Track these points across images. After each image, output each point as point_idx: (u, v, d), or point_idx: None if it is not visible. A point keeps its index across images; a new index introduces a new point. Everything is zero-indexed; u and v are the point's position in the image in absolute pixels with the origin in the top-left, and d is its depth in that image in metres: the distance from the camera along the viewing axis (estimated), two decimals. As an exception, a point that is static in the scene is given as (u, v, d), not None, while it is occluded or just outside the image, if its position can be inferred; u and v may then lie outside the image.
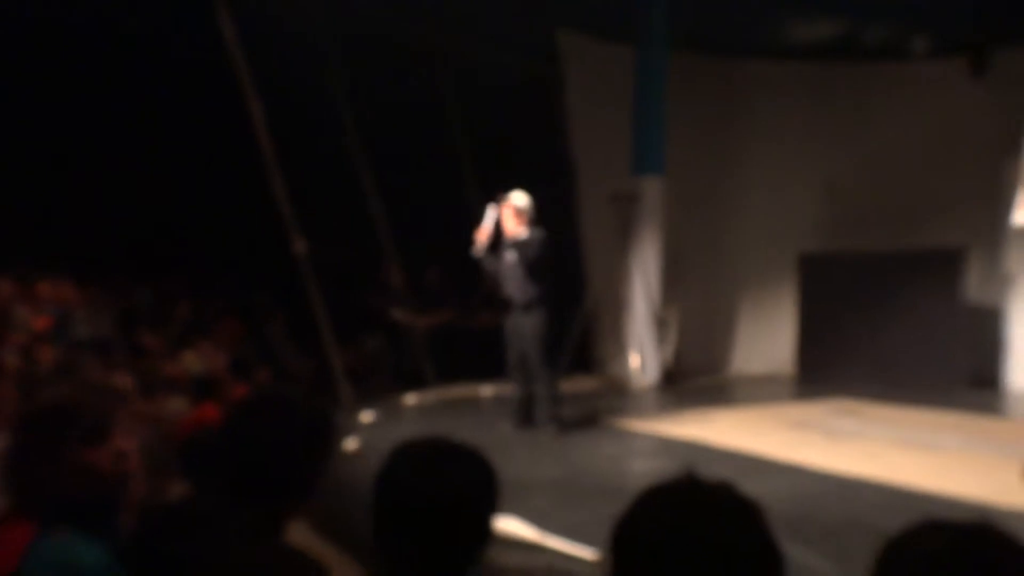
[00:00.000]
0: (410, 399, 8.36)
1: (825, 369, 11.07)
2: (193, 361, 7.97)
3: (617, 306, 10.84)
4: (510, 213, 6.70)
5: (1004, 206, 9.61)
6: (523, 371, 6.77)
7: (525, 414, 6.87)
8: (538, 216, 6.90)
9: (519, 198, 6.73)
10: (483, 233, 6.71)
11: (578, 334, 10.72)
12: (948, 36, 10.79)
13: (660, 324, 10.97)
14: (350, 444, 5.88)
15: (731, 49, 12.09)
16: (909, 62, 11.11)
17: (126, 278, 9.13)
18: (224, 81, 7.81)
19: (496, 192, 6.94)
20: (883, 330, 10.81)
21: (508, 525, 3.75)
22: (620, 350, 11.12)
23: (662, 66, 10.82)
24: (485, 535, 1.52)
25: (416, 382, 9.52)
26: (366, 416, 7.13)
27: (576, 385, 10.47)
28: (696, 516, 1.08)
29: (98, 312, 8.09)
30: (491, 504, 1.53)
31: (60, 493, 1.72)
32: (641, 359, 10.46)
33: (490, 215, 6.73)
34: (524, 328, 6.65)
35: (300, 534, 4.26)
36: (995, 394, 10.14)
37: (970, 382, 10.20)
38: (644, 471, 5.66)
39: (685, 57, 11.43)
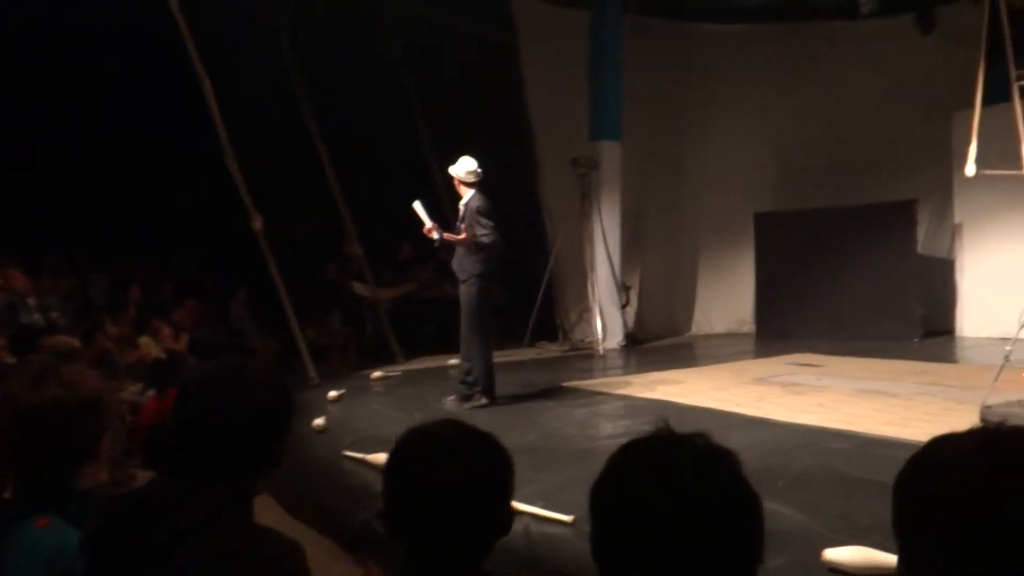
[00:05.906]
0: (376, 374, 8.32)
1: (784, 325, 11.24)
2: (150, 346, 7.82)
3: (579, 271, 10.88)
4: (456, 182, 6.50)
5: (953, 158, 9.77)
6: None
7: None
8: (497, 180, 6.77)
9: (465, 163, 6.46)
10: (429, 229, 6.47)
11: (542, 300, 10.74)
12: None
13: (622, 287, 11.04)
14: (316, 421, 5.83)
15: (683, 12, 12.08)
16: (857, 21, 11.17)
17: (79, 265, 8.89)
18: (174, 59, 7.58)
19: (454, 159, 6.78)
20: (839, 284, 11.00)
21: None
22: (584, 315, 11.18)
23: (616, 31, 10.77)
24: (502, 521, 1.46)
25: (382, 356, 9.47)
26: (332, 392, 7.08)
27: (542, 351, 10.53)
28: (674, 465, 1.08)
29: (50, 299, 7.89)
30: (505, 489, 1.47)
31: (69, 480, 1.74)
32: (604, 323, 10.53)
33: (420, 212, 6.51)
34: (461, 299, 6.48)
35: (269, 511, 4.25)
36: (947, 342, 10.41)
37: (923, 331, 10.45)
38: (614, 432, 5.72)
39: (638, 21, 11.39)
